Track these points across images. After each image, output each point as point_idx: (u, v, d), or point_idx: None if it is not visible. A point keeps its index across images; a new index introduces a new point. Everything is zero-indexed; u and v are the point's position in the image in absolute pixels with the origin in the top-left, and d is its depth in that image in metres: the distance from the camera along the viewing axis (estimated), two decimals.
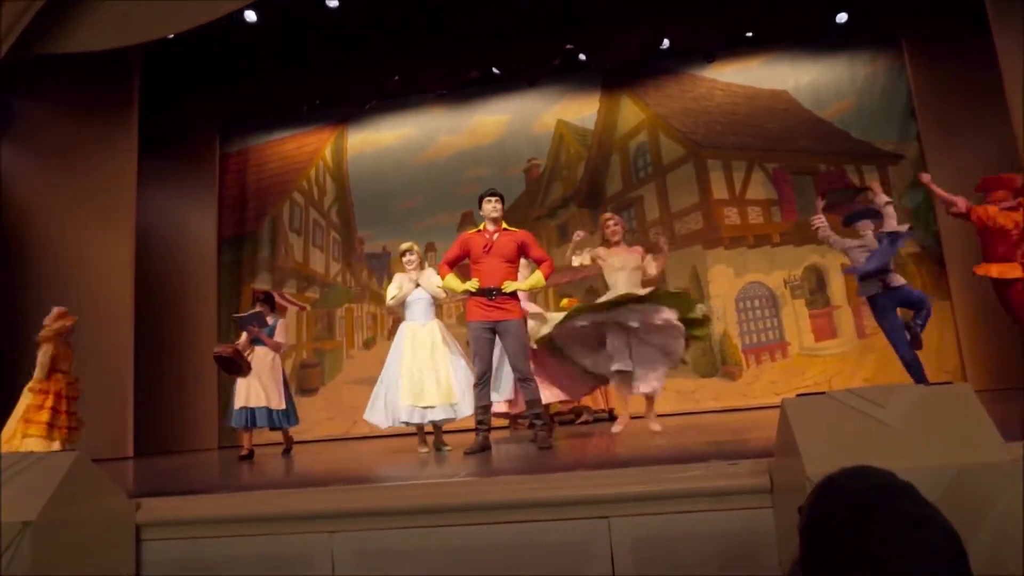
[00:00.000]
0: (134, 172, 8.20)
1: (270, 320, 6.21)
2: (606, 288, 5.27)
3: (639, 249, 5.37)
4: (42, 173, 7.99)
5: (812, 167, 8.61)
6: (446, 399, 5.03)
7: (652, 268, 5.27)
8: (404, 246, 5.47)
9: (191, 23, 6.84)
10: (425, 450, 5.06)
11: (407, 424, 5.10)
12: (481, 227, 4.70)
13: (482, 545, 2.52)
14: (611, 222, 5.33)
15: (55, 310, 6.03)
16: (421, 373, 5.05)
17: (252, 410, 5.89)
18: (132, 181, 8.18)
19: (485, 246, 4.58)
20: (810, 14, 8.42)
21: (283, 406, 6.03)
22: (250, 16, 8.11)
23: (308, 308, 9.63)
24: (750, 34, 8.77)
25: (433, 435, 5.21)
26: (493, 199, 4.72)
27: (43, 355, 5.80)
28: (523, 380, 4.53)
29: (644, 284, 5.22)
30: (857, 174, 8.47)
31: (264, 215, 9.97)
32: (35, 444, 5.39)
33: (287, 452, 6.28)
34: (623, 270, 5.16)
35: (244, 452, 5.94)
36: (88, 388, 7.57)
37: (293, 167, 10.08)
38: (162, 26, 6.88)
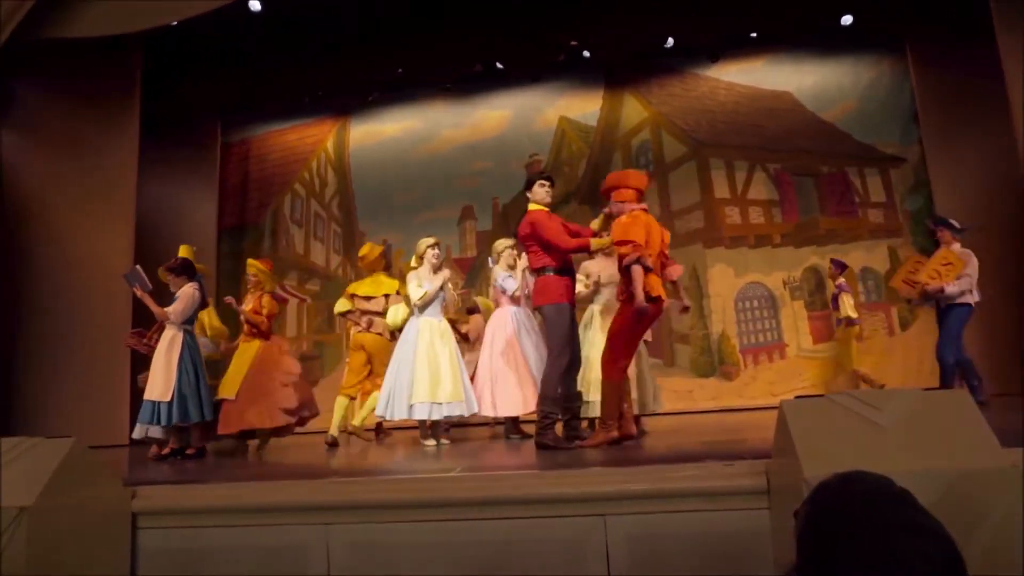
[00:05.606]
0: (135, 159, 8.16)
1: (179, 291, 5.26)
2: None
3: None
4: (42, 159, 7.96)
5: (814, 169, 8.61)
6: (460, 395, 5.11)
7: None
8: (431, 240, 5.41)
9: (196, 10, 6.81)
10: (432, 443, 5.08)
11: (424, 420, 5.13)
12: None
13: (478, 540, 2.53)
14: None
15: None
16: (439, 368, 5.10)
17: (149, 403, 5.01)
18: (133, 168, 8.15)
19: (567, 228, 4.43)
20: (815, 16, 8.41)
21: (166, 398, 4.93)
22: (254, 5, 8.07)
23: (309, 300, 9.62)
24: (754, 34, 8.75)
25: (433, 429, 5.22)
26: (548, 183, 4.51)
27: None
28: (578, 369, 4.47)
29: None
30: (859, 176, 8.47)
31: (265, 206, 9.94)
32: None
33: (173, 454, 5.16)
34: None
35: (158, 451, 5.19)
36: (86, 375, 7.60)
37: (295, 158, 10.05)
38: (167, 13, 6.85)
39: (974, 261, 5.37)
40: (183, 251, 5.67)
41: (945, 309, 5.38)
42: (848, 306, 7.15)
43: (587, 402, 4.75)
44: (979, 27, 6.69)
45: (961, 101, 7.61)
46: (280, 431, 5.58)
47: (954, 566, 1.05)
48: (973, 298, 5.35)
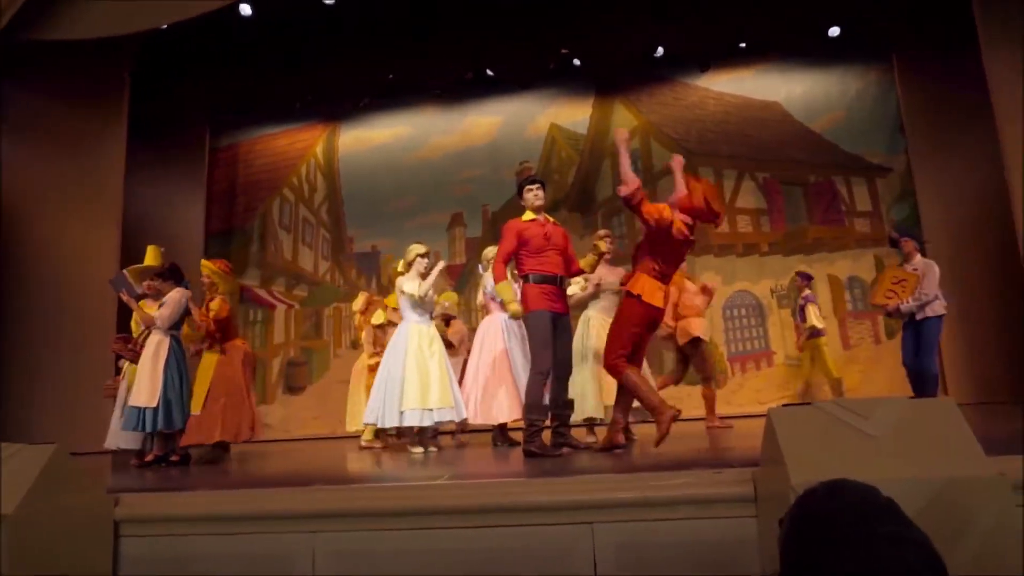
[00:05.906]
0: (122, 162, 8.12)
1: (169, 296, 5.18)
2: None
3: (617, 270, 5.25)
4: (30, 160, 7.89)
5: (802, 178, 8.68)
6: (449, 400, 5.08)
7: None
8: (421, 249, 5.34)
9: (185, 14, 6.79)
10: (419, 450, 5.05)
11: (415, 427, 5.09)
12: (532, 217, 4.34)
13: (464, 548, 2.51)
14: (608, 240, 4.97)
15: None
16: (428, 374, 5.07)
17: (135, 410, 4.94)
18: (120, 171, 8.10)
19: (545, 235, 4.28)
20: (804, 27, 8.50)
21: (152, 404, 4.87)
22: (245, 9, 8.07)
23: (296, 306, 9.57)
24: (743, 45, 8.83)
25: (421, 435, 5.19)
26: (535, 187, 4.40)
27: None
28: (568, 377, 4.42)
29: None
30: (846, 186, 8.54)
31: (253, 211, 9.90)
32: None
33: (157, 461, 5.08)
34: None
35: (146, 458, 5.09)
36: (69, 380, 7.51)
37: (284, 163, 10.02)
38: (157, 16, 6.83)
39: (935, 271, 5.33)
40: (151, 252, 5.58)
41: (920, 321, 5.38)
42: (814, 316, 7.21)
43: (607, 406, 4.77)
44: (964, 38, 6.77)
45: (946, 111, 7.70)
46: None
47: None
48: (942, 304, 5.36)
